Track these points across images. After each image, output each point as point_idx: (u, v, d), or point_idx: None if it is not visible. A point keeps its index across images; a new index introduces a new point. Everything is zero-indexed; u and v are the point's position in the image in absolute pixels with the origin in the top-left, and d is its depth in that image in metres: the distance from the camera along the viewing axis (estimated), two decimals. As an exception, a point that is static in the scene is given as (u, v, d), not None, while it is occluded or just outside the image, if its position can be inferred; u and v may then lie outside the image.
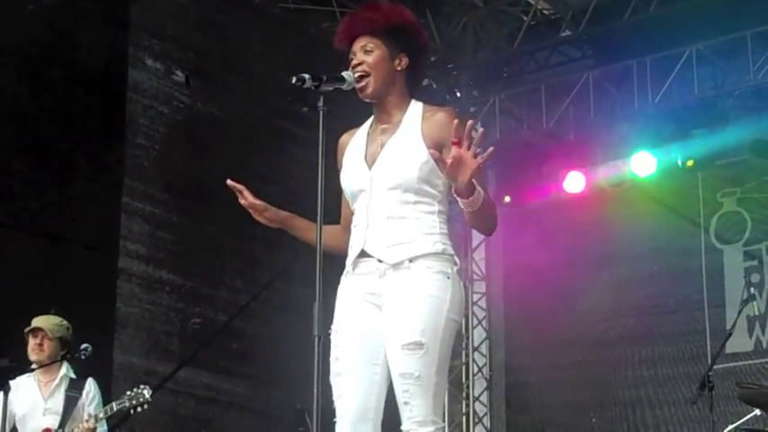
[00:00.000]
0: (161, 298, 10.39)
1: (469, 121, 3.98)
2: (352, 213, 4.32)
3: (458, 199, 4.04)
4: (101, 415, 7.36)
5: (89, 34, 10.09)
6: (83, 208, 9.93)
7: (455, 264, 4.22)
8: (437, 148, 4.14)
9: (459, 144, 3.93)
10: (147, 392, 7.29)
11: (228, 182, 4.45)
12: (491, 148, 4.00)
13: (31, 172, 9.69)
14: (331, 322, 4.22)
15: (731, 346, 10.50)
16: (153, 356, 10.23)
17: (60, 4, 9.80)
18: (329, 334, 4.18)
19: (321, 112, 4.12)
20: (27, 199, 9.66)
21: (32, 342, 7.50)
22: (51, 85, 9.81)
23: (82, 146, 9.97)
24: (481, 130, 4.00)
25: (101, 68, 10.19)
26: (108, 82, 10.26)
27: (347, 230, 4.33)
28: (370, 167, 4.24)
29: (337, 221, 4.45)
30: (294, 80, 4.13)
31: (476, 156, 3.93)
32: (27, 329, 7.54)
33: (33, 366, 7.50)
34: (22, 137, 9.64)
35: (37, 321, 7.55)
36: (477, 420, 12.96)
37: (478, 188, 4.01)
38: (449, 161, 3.95)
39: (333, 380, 4.18)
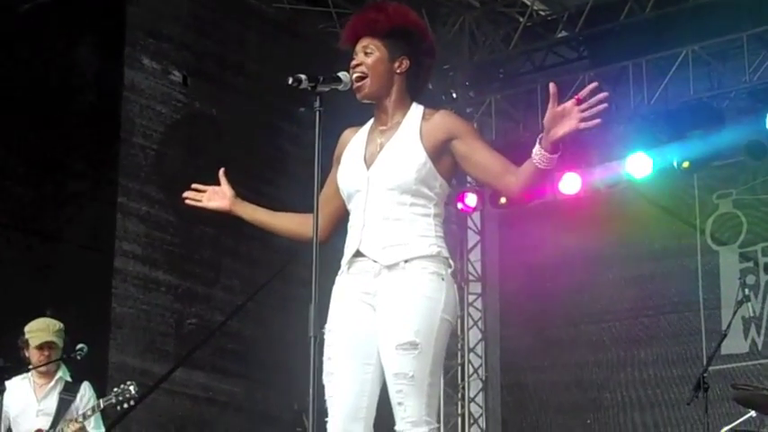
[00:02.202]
0: (157, 298, 10.38)
1: (593, 84, 3.96)
2: (347, 211, 4.31)
3: (539, 153, 3.98)
4: (88, 413, 7.36)
5: (85, 33, 10.08)
6: (78, 207, 9.92)
7: (449, 266, 4.21)
8: (435, 150, 4.15)
9: (579, 102, 3.90)
10: (133, 388, 7.31)
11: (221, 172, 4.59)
12: (598, 120, 3.90)
13: (26, 171, 9.68)
14: (326, 322, 4.22)
15: (726, 348, 10.56)
16: (148, 357, 10.22)
17: (56, 3, 9.79)
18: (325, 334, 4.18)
19: (317, 113, 4.11)
20: (22, 198, 9.65)
21: (39, 354, 7.45)
22: (46, 85, 9.79)
23: (78, 145, 9.95)
24: (602, 94, 3.90)
25: (97, 68, 10.18)
26: (104, 81, 10.25)
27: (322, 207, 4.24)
28: (368, 168, 4.23)
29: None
30: (290, 81, 4.10)
31: (583, 120, 3.90)
32: (38, 343, 7.47)
33: (30, 367, 7.48)
34: (17, 136, 9.62)
35: (43, 333, 7.45)
36: (472, 421, 12.96)
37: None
38: (557, 109, 3.91)
39: (325, 379, 4.18)
